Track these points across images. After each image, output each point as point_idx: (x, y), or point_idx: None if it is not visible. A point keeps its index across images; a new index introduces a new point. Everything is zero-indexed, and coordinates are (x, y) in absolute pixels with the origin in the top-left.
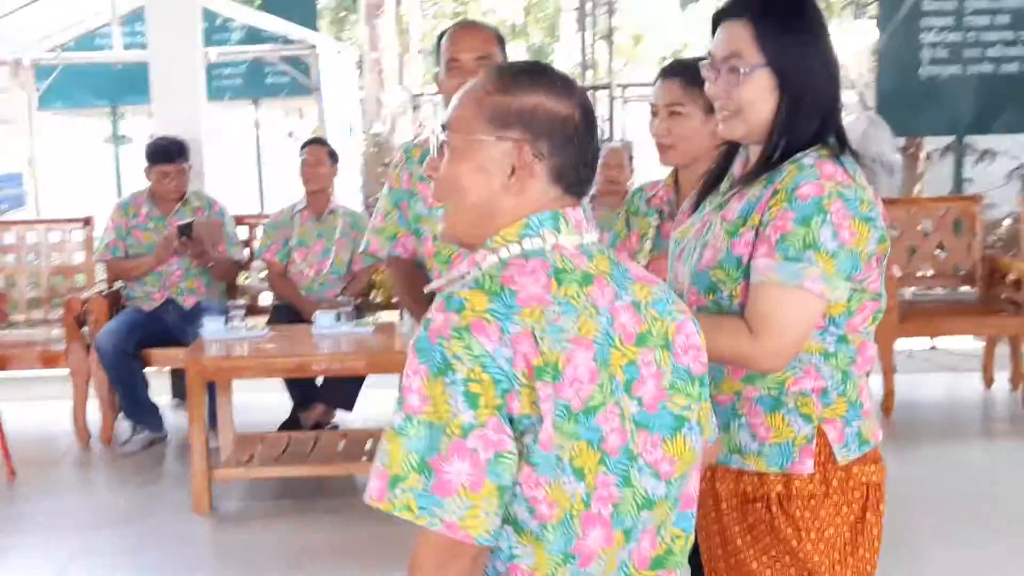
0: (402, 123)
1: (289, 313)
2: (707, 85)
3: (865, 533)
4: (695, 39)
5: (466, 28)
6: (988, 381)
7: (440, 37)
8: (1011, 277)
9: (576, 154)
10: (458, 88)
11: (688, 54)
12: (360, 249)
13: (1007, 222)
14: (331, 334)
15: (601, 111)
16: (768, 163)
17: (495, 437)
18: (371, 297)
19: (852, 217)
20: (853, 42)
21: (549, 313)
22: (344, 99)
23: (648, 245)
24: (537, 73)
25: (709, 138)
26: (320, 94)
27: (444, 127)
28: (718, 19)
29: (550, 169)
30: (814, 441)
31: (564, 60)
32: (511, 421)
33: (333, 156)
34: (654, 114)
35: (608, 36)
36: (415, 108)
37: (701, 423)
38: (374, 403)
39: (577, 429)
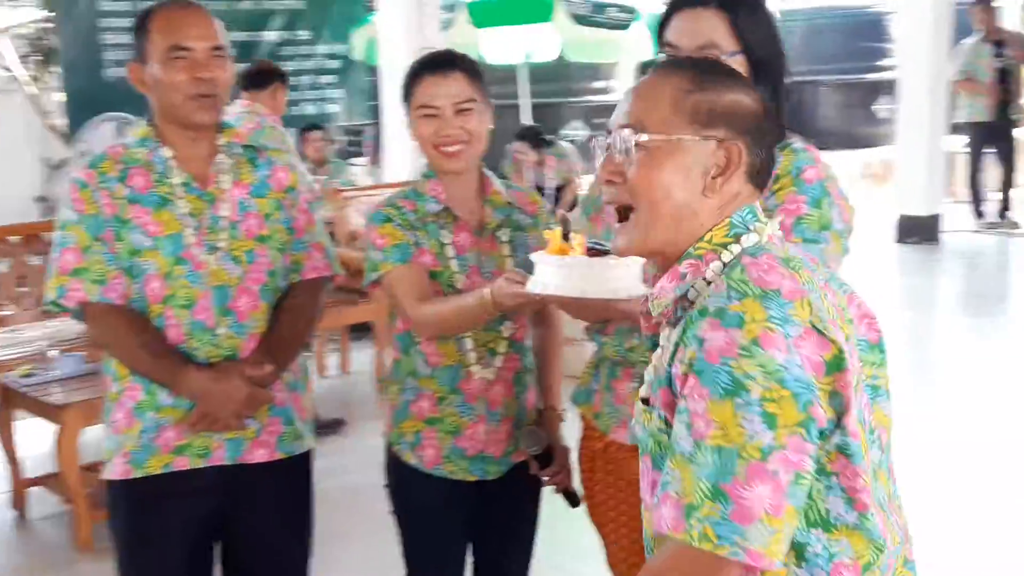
0: None
1: None
2: None
3: None
4: None
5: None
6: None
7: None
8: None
9: (767, 149)
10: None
11: None
12: (50, 299)
13: None
14: None
15: None
16: None
17: (795, 457)
18: None
19: (843, 197)
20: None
21: (814, 301)
22: None
23: (454, 264)
24: (728, 70)
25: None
26: None
27: (627, 127)
28: (673, 9)
29: (748, 166)
30: None
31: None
32: (820, 432)
33: None
34: (432, 115)
35: None
36: None
37: (887, 389)
38: None
39: (860, 411)
